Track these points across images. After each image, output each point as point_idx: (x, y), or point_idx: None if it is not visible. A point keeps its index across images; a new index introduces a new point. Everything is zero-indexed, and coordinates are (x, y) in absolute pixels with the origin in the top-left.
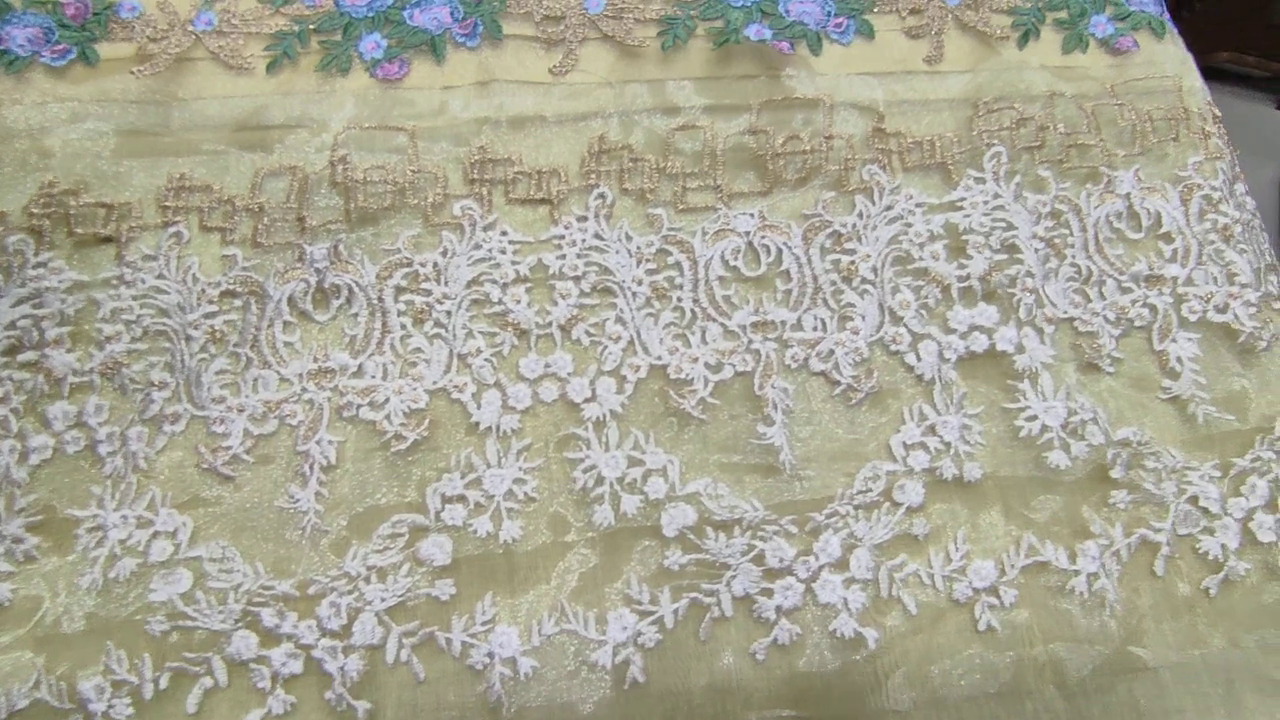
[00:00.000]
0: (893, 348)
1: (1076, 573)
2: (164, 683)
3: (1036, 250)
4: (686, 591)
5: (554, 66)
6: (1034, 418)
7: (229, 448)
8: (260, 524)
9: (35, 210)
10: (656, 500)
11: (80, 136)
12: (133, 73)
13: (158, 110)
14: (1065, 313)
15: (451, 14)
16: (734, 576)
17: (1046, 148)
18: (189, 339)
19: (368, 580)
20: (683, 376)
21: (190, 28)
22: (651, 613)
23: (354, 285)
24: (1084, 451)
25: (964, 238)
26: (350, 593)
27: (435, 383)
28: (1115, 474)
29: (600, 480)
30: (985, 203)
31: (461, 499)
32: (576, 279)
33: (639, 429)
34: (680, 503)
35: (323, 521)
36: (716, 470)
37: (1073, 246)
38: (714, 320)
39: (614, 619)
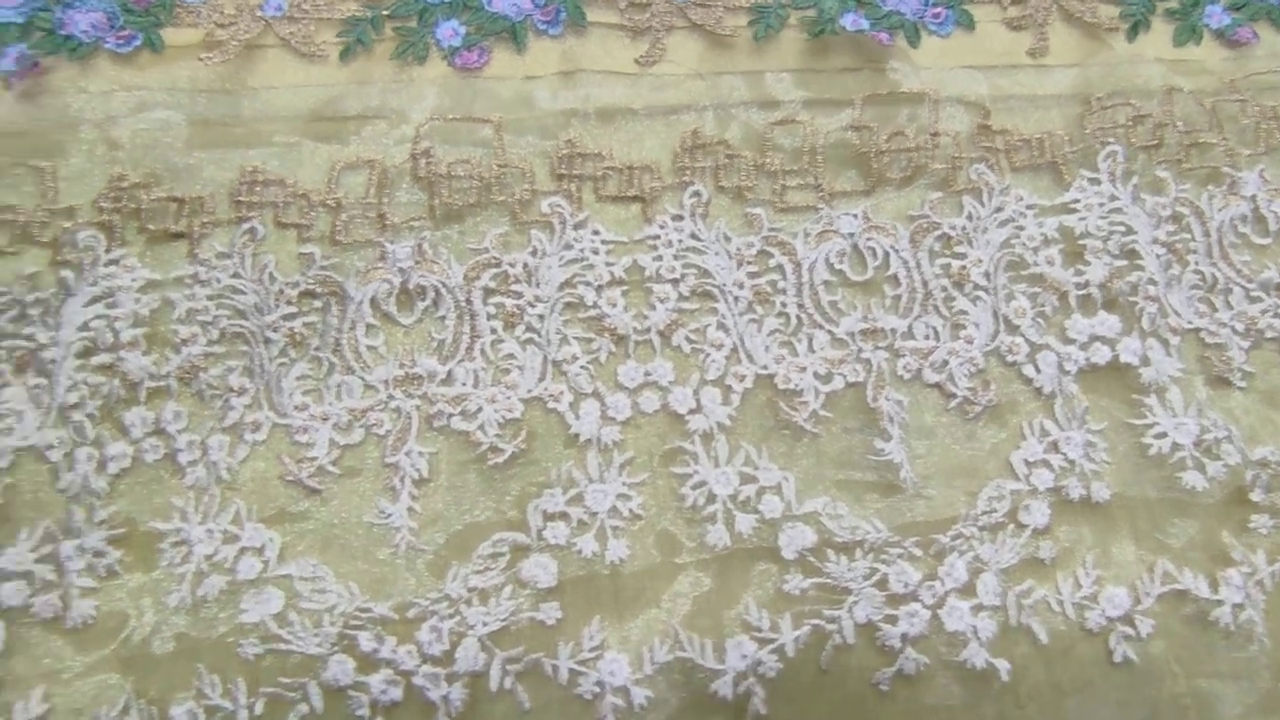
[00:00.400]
0: (1009, 358)
1: (1220, 603)
2: (259, 708)
3: (1158, 256)
4: (808, 618)
5: (640, 57)
6: (1163, 435)
7: (314, 458)
8: (350, 541)
9: (105, 205)
10: (773, 519)
11: (149, 127)
12: (201, 59)
13: (227, 100)
14: (1190, 323)
15: (533, 0)
16: (856, 602)
17: (1165, 147)
18: (268, 342)
19: (469, 603)
20: (791, 387)
21: (259, 13)
22: (772, 640)
23: (440, 286)
24: (1220, 472)
25: (1080, 242)
26: (452, 616)
27: (530, 391)
28: (1255, 497)
29: (712, 498)
30: (1101, 205)
31: (564, 516)
32: (674, 281)
33: (750, 443)
34: (798, 522)
35: (418, 539)
36: (834, 488)
37: (1196, 252)
38: (820, 327)
39: (732, 647)
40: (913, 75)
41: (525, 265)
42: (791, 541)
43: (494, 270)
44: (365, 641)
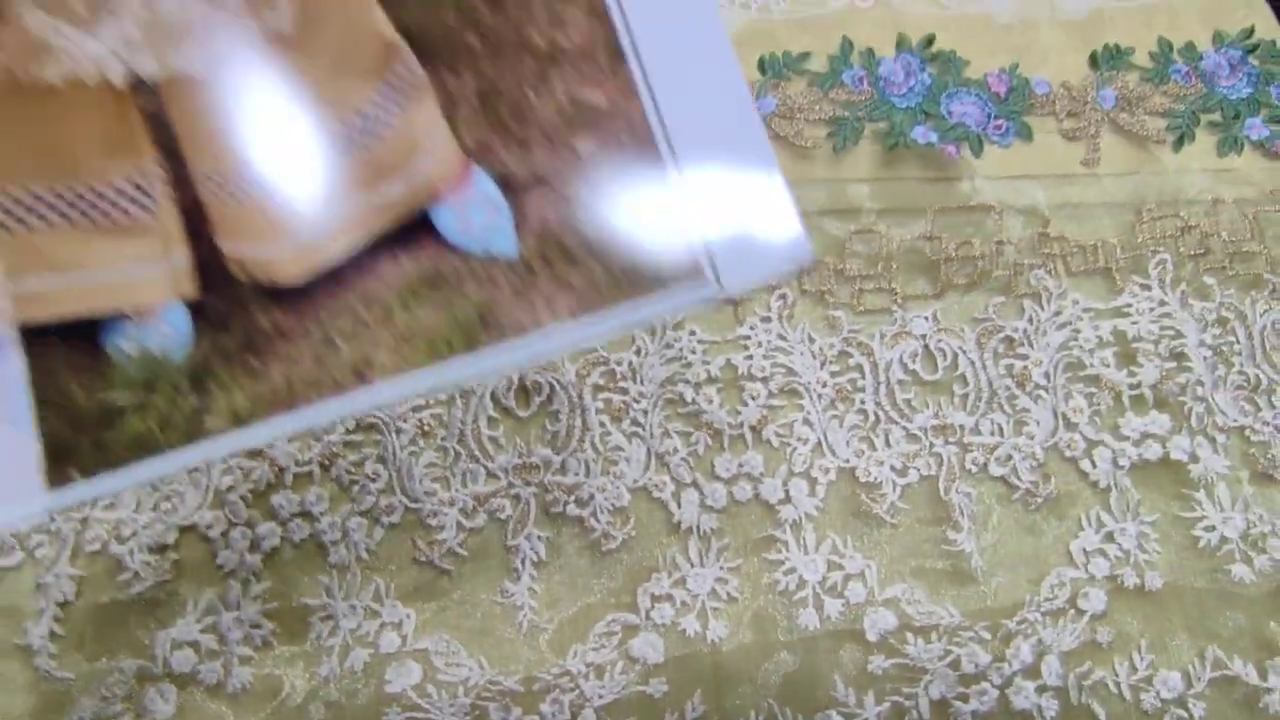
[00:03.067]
0: (1067, 454)
1: (1269, 690)
2: None
3: (1205, 358)
4: (889, 695)
5: None
6: (1212, 528)
7: (443, 541)
8: (478, 618)
9: None
10: (858, 604)
11: None
12: None
13: None
14: (1235, 421)
15: None
16: (931, 681)
17: (1211, 254)
18: (399, 431)
19: (586, 677)
20: (871, 479)
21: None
22: (856, 715)
23: (555, 383)
24: (1266, 565)
25: (1133, 345)
26: (572, 690)
27: (636, 481)
28: None
29: (802, 584)
30: (1151, 309)
31: (669, 598)
32: (764, 380)
33: (835, 532)
34: (880, 608)
35: (539, 618)
36: (910, 575)
37: (1240, 354)
38: (896, 423)
39: None
40: (979, 187)
41: (630, 364)
42: (875, 624)
43: (603, 369)
44: (495, 712)
